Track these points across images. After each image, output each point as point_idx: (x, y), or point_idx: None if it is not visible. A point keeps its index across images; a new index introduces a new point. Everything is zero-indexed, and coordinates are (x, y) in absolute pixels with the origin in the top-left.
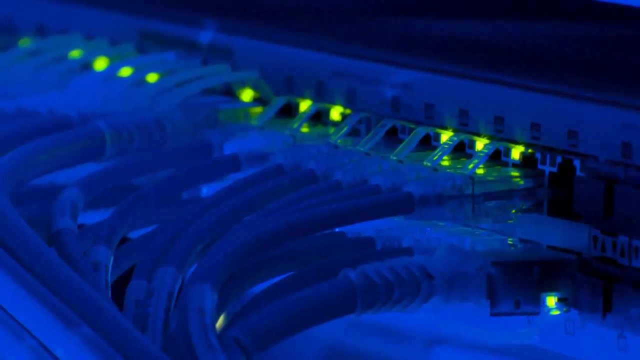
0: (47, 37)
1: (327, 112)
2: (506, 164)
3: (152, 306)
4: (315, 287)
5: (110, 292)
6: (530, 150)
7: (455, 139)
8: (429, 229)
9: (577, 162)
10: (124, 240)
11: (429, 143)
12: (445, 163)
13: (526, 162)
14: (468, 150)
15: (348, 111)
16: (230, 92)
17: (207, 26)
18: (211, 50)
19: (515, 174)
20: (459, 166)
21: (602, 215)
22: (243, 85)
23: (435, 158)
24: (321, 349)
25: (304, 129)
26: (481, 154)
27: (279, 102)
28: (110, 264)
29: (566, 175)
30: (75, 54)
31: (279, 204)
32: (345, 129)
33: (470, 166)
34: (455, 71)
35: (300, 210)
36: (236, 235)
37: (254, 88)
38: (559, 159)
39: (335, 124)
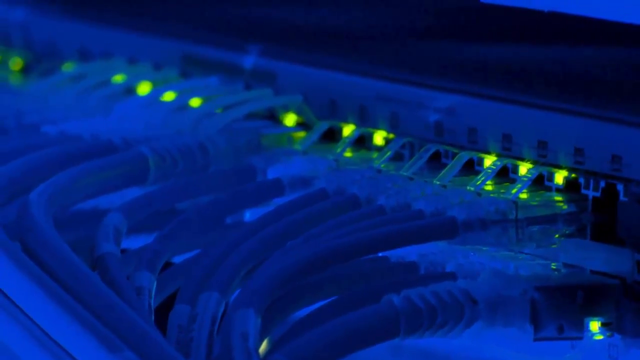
0: (90, 61)
1: (371, 136)
2: (549, 189)
3: (196, 331)
4: (358, 312)
5: (153, 316)
6: (573, 175)
7: (498, 163)
8: (472, 253)
9: (620, 187)
10: (167, 265)
11: (472, 168)
12: (489, 188)
13: (570, 186)
14: (511, 175)
15: (391, 136)
16: (273, 117)
17: (250, 51)
18: (254, 75)
19: (559, 198)
20: (502, 191)
21: None
22: (286, 109)
23: (478, 183)
24: None
25: (347, 154)
26: (524, 179)
27: (322, 126)
28: (154, 288)
29: (610, 200)
30: (118, 78)
31: (322, 229)
32: (388, 153)
33: (514, 191)
34: (498, 96)
35: (344, 235)
36: (280, 260)
37: (297, 112)
38: (602, 184)
39: (379, 148)
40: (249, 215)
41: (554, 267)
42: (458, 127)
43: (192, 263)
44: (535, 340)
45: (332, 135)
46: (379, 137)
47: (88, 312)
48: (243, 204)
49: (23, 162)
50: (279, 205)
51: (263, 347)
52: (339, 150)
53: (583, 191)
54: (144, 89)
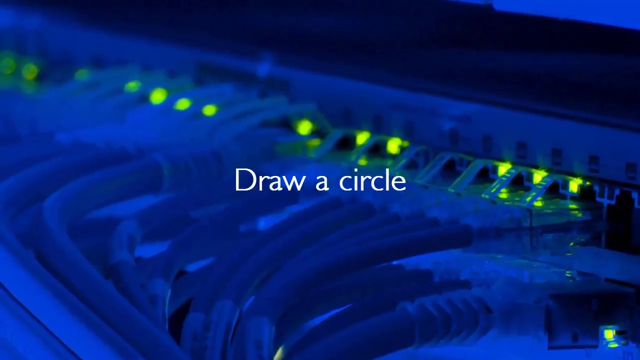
0: (104, 69)
1: (385, 144)
2: (564, 197)
3: (210, 339)
4: (373, 320)
5: (167, 325)
6: (588, 183)
7: (513, 171)
8: (486, 261)
9: (635, 195)
10: (182, 273)
11: (486, 176)
12: (503, 196)
13: (584, 194)
14: (526, 183)
15: (406, 144)
16: (287, 125)
17: (264, 58)
18: (269, 83)
19: (574, 206)
20: (517, 199)
21: None
22: (301, 117)
23: (493, 191)
24: None
25: (362, 162)
26: (539, 187)
27: (336, 134)
28: (168, 296)
29: (624, 207)
30: (132, 86)
31: (337, 237)
32: (402, 161)
33: (528, 199)
34: (513, 104)
35: (358, 243)
36: (294, 268)
37: (312, 120)
38: (617, 192)
39: (393, 156)
40: (263, 223)
41: (569, 275)
42: (472, 135)
43: (206, 271)
44: (550, 348)
45: (347, 143)
46: (393, 145)
47: (102, 321)
48: (257, 212)
49: (37, 170)
50: (293, 213)
51: (277, 355)
52: (353, 158)
53: (598, 199)
54: (158, 96)
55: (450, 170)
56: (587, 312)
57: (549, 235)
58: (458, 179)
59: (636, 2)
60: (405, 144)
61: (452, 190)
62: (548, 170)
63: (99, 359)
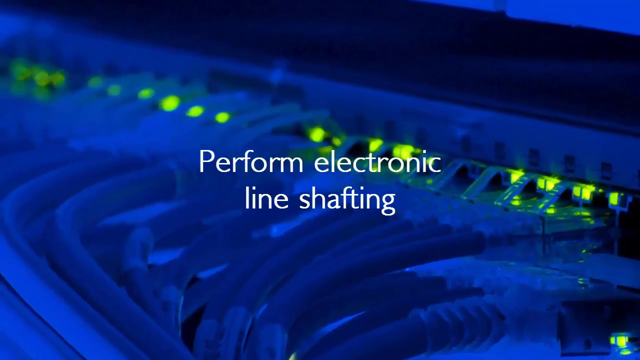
0: (117, 76)
1: (398, 151)
2: (577, 204)
3: (223, 346)
4: (385, 327)
5: (180, 332)
6: (600, 190)
7: (525, 178)
8: (499, 268)
9: None
10: (194, 280)
11: (499, 183)
12: (516, 203)
13: (597, 201)
14: (538, 190)
15: (418, 151)
16: (300, 132)
17: (277, 66)
18: (281, 90)
19: (586, 213)
20: (529, 206)
21: None
22: (313, 124)
23: (505, 198)
24: None
25: (374, 169)
26: (552, 194)
27: (349, 141)
28: (181, 303)
29: (637, 214)
30: (145, 93)
31: (349, 244)
32: (415, 168)
33: (541, 206)
34: (525, 111)
35: (371, 250)
36: (306, 276)
37: (324, 127)
38: (629, 199)
39: (406, 163)
40: (275, 230)
41: (581, 283)
42: (485, 142)
43: (219, 278)
44: (563, 355)
45: (359, 150)
46: (406, 152)
47: (115, 328)
48: (270, 219)
49: (50, 177)
50: (306, 220)
51: None
52: (366, 165)
53: (610, 206)
54: (171, 104)
55: (463, 177)
56: (600, 319)
57: (561, 243)
58: (471, 186)
59: None
60: (418, 151)
61: (465, 198)
62: (560, 177)
63: None
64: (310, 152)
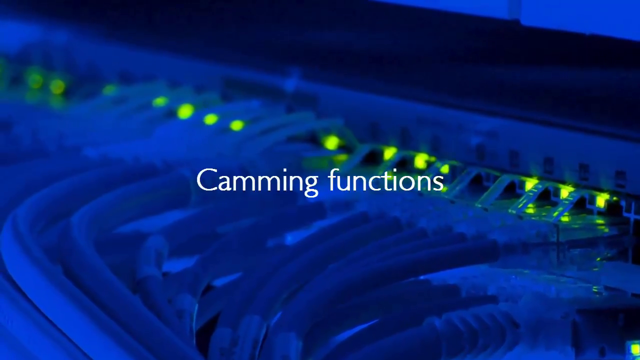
0: (131, 84)
1: (412, 159)
2: (591, 212)
3: (237, 354)
4: (399, 335)
5: (194, 340)
6: (615, 198)
7: (540, 186)
8: (513, 276)
9: None
10: (209, 288)
11: (513, 191)
12: (530, 211)
13: (611, 209)
14: (553, 198)
15: (433, 159)
16: (314, 140)
17: (291, 74)
18: (296, 98)
19: (600, 221)
20: (543, 214)
21: None
22: (328, 132)
23: (520, 206)
24: None
25: (389, 177)
26: (566, 202)
27: (363, 149)
28: (195, 311)
29: None
30: (159, 101)
31: (364, 252)
32: (430, 176)
33: (555, 214)
34: (540, 119)
35: (385, 258)
36: (321, 284)
37: (339, 136)
38: None
39: (420, 171)
40: (290, 238)
41: (596, 290)
42: (499, 150)
43: (233, 286)
44: None
45: (374, 158)
46: (420, 160)
47: (129, 336)
48: (284, 227)
49: (64, 185)
50: (320, 228)
51: None
52: (380, 173)
53: (624, 214)
54: (185, 112)
55: (478, 185)
56: (614, 327)
57: (575, 251)
58: (485, 194)
59: None
60: (433, 159)
61: (479, 206)
62: (575, 185)
63: None
64: (325, 160)
